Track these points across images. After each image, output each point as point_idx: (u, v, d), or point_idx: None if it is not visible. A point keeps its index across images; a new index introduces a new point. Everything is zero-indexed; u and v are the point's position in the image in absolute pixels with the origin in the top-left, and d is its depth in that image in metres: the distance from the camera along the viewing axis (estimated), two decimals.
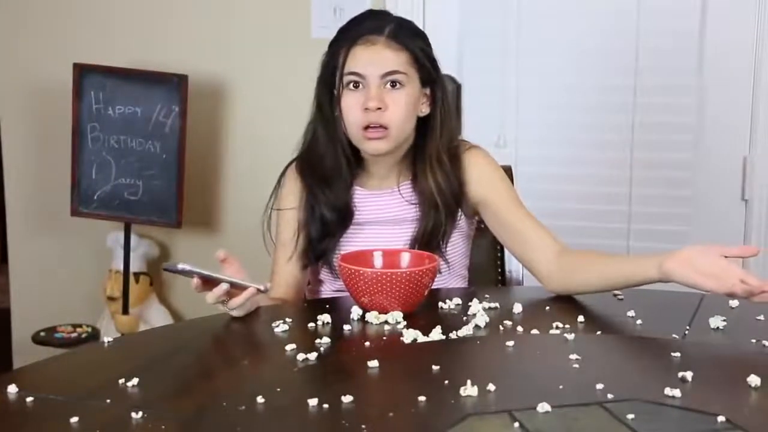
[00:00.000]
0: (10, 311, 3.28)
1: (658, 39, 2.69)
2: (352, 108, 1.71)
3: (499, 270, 2.02)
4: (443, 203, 1.75)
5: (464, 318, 1.49)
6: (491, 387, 1.18)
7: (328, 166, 1.77)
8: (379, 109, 1.69)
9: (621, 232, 2.76)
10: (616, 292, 1.62)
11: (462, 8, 2.81)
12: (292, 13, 2.90)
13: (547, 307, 1.54)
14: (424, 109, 1.77)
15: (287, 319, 1.48)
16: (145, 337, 1.60)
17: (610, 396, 1.15)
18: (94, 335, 2.98)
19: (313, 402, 1.14)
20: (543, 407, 1.11)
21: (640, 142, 2.72)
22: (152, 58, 2.93)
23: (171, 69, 2.84)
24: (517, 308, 1.53)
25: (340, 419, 1.11)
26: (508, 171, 2.08)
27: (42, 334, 2.99)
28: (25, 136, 3.17)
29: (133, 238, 2.96)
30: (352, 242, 1.79)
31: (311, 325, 1.47)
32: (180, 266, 1.51)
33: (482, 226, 1.87)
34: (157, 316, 3.02)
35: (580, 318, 1.47)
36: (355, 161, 1.79)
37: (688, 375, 1.21)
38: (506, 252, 2.02)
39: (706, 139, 2.69)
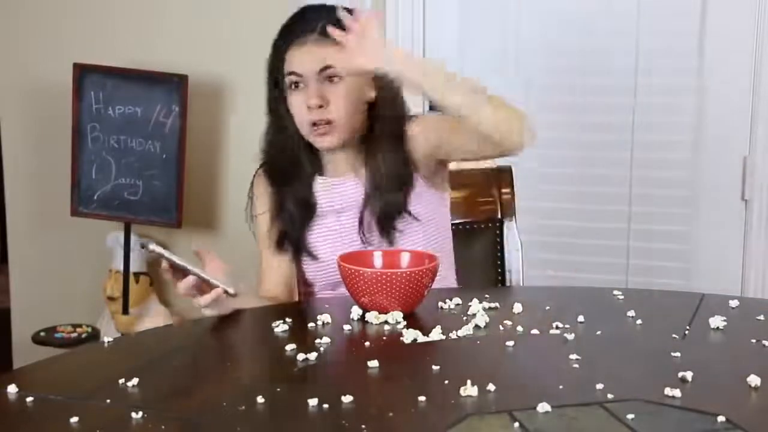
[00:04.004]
0: (10, 311, 3.28)
1: (658, 39, 2.69)
2: (297, 108, 1.74)
3: (499, 270, 2.02)
4: (390, 184, 1.76)
5: (464, 318, 1.49)
6: (491, 387, 1.18)
7: (288, 164, 1.81)
8: (321, 106, 1.71)
9: (621, 232, 2.76)
10: (616, 292, 1.62)
11: (462, 8, 2.81)
12: (292, 13, 2.90)
13: (547, 307, 1.54)
14: (371, 95, 1.78)
15: (287, 319, 1.48)
16: (145, 337, 1.60)
17: (610, 396, 1.16)
18: (94, 335, 2.98)
19: (313, 402, 1.14)
20: (543, 407, 1.11)
21: (640, 142, 2.72)
22: (152, 58, 2.93)
23: (171, 69, 2.84)
24: (517, 308, 1.53)
25: (340, 419, 1.11)
26: (508, 171, 2.09)
27: (42, 334, 2.99)
28: (25, 136, 3.17)
29: (133, 238, 2.96)
30: (318, 231, 1.81)
31: (311, 325, 1.47)
32: (151, 247, 1.52)
33: (475, 226, 1.88)
34: (157, 316, 3.02)
35: (580, 318, 1.47)
36: (315, 153, 1.81)
37: (688, 375, 1.21)
38: (506, 252, 2.02)
39: (706, 139, 2.68)
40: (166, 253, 1.52)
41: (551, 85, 2.78)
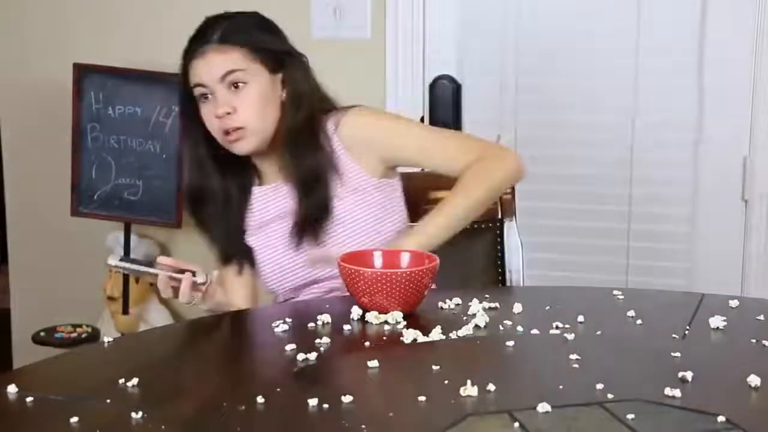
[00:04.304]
0: (10, 311, 3.28)
1: (658, 39, 2.69)
2: (208, 119, 1.74)
3: (499, 270, 2.02)
4: (310, 186, 1.75)
5: (464, 318, 1.49)
6: (491, 387, 1.18)
7: (217, 195, 1.80)
8: (229, 113, 1.71)
9: (621, 232, 2.76)
10: (616, 292, 1.62)
11: (462, 8, 2.81)
12: (292, 13, 2.90)
13: (547, 307, 1.54)
14: (284, 95, 1.77)
15: (287, 319, 1.48)
16: (145, 337, 1.60)
17: (610, 396, 1.15)
18: (94, 335, 2.98)
19: (313, 402, 1.14)
20: (543, 407, 1.11)
21: (640, 142, 2.72)
22: (152, 58, 2.93)
23: (171, 69, 2.83)
24: (517, 308, 1.52)
25: (340, 419, 1.11)
26: None
27: (42, 334, 2.99)
28: (25, 136, 3.17)
29: (133, 238, 2.96)
30: (257, 241, 1.82)
31: (311, 325, 1.47)
32: (109, 261, 1.54)
33: (475, 226, 1.88)
34: (157, 316, 3.02)
35: (580, 318, 1.47)
36: (248, 161, 1.81)
37: (688, 375, 1.21)
38: (506, 252, 2.02)
39: (706, 139, 2.68)
40: (128, 265, 1.58)
41: (551, 85, 2.78)
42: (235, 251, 1.83)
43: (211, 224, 1.82)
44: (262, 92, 1.74)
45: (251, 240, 1.83)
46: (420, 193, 1.96)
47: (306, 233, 1.76)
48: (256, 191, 1.83)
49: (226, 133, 1.73)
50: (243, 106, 1.72)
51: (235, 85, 1.72)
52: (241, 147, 1.74)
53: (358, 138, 1.78)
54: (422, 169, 1.90)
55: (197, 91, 1.75)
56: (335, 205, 1.76)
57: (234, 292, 1.83)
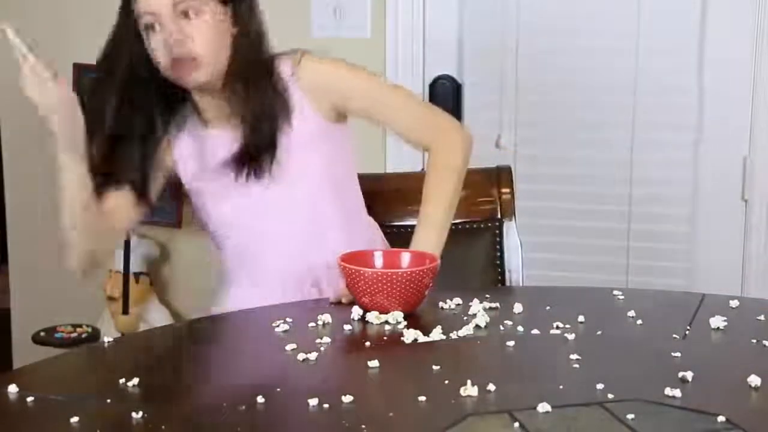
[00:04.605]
0: (10, 311, 3.28)
1: (658, 39, 2.69)
2: (157, 49, 1.68)
3: (499, 270, 2.02)
4: (259, 129, 1.71)
5: (464, 318, 1.49)
6: (491, 387, 1.18)
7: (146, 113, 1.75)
8: (182, 41, 1.65)
9: (621, 232, 2.76)
10: (616, 292, 1.62)
11: (462, 8, 2.81)
12: (292, 13, 2.90)
13: (547, 307, 1.54)
14: (234, 30, 1.71)
15: (287, 319, 1.48)
16: (145, 337, 1.61)
17: (610, 396, 1.15)
18: (94, 335, 2.98)
19: (313, 402, 1.14)
20: (543, 407, 1.11)
21: (640, 142, 2.72)
22: None
23: None
24: (517, 308, 1.53)
25: (340, 419, 1.11)
26: (507, 171, 2.09)
27: (42, 334, 2.98)
28: (25, 136, 3.17)
29: (133, 238, 2.96)
30: (203, 188, 1.79)
31: (311, 325, 1.47)
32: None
33: (474, 226, 1.88)
34: (157, 316, 3.02)
35: (580, 318, 1.47)
36: (188, 102, 1.77)
37: (688, 375, 1.21)
38: (506, 252, 2.02)
39: (706, 139, 2.68)
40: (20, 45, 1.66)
41: (550, 84, 2.77)
42: (133, 178, 1.76)
43: (123, 146, 1.75)
44: (215, 23, 1.68)
45: (196, 185, 1.80)
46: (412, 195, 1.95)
47: (250, 168, 1.72)
48: (203, 135, 1.78)
49: (177, 63, 1.67)
50: (197, 34, 1.66)
51: (185, 13, 1.66)
52: (194, 79, 1.68)
53: (316, 83, 1.75)
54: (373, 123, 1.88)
55: (144, 20, 1.67)
56: (288, 148, 1.73)
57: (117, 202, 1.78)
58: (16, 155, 3.19)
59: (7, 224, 3.27)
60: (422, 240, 1.71)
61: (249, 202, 1.76)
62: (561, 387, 1.19)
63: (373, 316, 1.49)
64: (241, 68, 1.72)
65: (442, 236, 1.72)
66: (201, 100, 1.77)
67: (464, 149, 1.79)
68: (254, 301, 1.64)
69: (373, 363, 1.27)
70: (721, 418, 1.09)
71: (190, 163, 1.81)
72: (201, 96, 1.76)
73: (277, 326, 1.46)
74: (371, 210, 1.92)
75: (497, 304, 1.55)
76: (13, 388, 1.21)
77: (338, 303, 1.59)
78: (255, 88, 1.72)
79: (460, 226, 2.00)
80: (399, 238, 1.90)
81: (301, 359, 1.31)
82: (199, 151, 1.79)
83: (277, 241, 1.79)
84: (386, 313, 1.49)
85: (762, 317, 1.49)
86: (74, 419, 1.11)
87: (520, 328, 1.44)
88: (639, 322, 1.47)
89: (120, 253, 2.93)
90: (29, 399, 1.19)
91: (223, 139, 1.76)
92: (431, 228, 1.72)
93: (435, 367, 1.26)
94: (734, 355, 1.34)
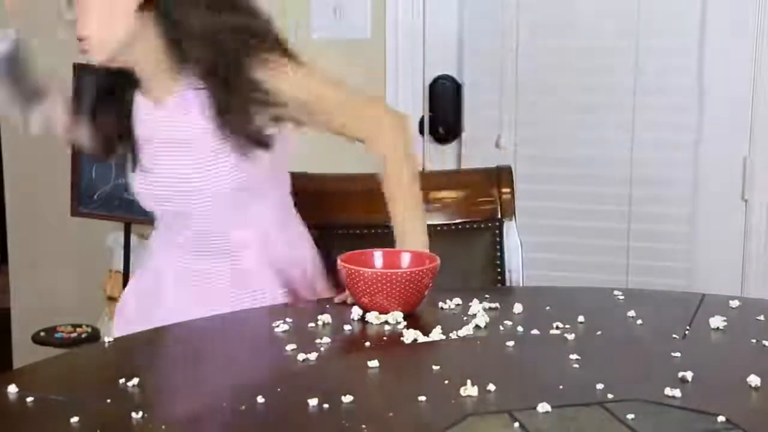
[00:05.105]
0: (10, 311, 3.28)
1: (658, 39, 2.69)
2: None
3: (499, 270, 2.02)
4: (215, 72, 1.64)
5: (464, 318, 1.49)
6: (491, 387, 1.18)
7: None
8: (77, 20, 1.64)
9: (621, 232, 2.76)
10: (616, 292, 1.62)
11: (462, 8, 2.81)
12: (292, 13, 2.90)
13: (547, 307, 1.54)
14: (146, 9, 1.63)
15: (287, 319, 1.48)
16: (145, 337, 1.60)
17: (610, 396, 1.16)
18: (94, 335, 2.98)
19: (313, 402, 1.14)
20: (543, 407, 1.11)
21: (640, 142, 2.72)
22: None
23: None
24: (517, 308, 1.53)
25: (340, 419, 1.11)
26: (508, 171, 2.09)
27: (42, 334, 2.99)
28: (25, 136, 3.17)
29: (133, 238, 2.95)
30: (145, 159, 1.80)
31: (311, 325, 1.47)
32: None
33: (474, 226, 1.88)
34: None
35: (580, 318, 1.47)
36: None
37: (688, 375, 1.21)
38: (506, 252, 2.02)
39: (706, 139, 2.68)
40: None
41: (550, 84, 2.77)
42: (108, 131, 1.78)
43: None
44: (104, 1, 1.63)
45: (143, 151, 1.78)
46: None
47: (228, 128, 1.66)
48: (138, 100, 1.76)
49: (80, 40, 1.65)
50: (82, 14, 1.64)
51: None
52: (91, 59, 1.67)
53: (289, 97, 1.67)
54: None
55: None
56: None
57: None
58: (16, 155, 3.19)
59: (7, 224, 3.27)
60: (410, 241, 1.68)
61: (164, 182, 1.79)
62: (561, 387, 1.19)
63: (372, 317, 1.49)
64: (158, 49, 1.66)
65: (424, 225, 1.70)
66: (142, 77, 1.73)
67: (402, 130, 1.72)
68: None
69: (373, 363, 1.28)
70: (721, 418, 1.09)
71: (140, 128, 1.79)
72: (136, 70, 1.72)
73: (277, 326, 1.46)
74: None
75: (497, 304, 1.55)
76: (13, 388, 1.21)
77: (343, 303, 1.58)
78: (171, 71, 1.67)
79: (460, 226, 2.00)
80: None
81: (301, 359, 1.31)
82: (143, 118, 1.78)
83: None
84: (386, 314, 1.49)
85: (762, 317, 1.49)
86: (74, 419, 1.11)
87: (519, 328, 1.44)
88: (639, 322, 1.47)
89: (120, 253, 2.93)
90: (29, 399, 1.19)
91: (145, 107, 1.75)
92: (410, 225, 1.69)
93: (435, 367, 1.26)
94: (734, 355, 1.34)
